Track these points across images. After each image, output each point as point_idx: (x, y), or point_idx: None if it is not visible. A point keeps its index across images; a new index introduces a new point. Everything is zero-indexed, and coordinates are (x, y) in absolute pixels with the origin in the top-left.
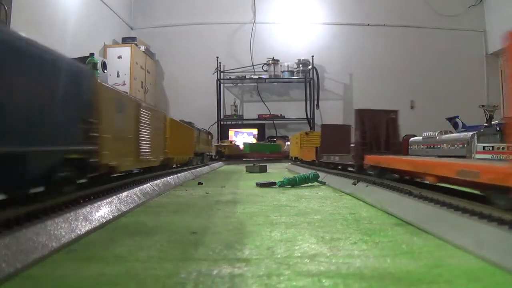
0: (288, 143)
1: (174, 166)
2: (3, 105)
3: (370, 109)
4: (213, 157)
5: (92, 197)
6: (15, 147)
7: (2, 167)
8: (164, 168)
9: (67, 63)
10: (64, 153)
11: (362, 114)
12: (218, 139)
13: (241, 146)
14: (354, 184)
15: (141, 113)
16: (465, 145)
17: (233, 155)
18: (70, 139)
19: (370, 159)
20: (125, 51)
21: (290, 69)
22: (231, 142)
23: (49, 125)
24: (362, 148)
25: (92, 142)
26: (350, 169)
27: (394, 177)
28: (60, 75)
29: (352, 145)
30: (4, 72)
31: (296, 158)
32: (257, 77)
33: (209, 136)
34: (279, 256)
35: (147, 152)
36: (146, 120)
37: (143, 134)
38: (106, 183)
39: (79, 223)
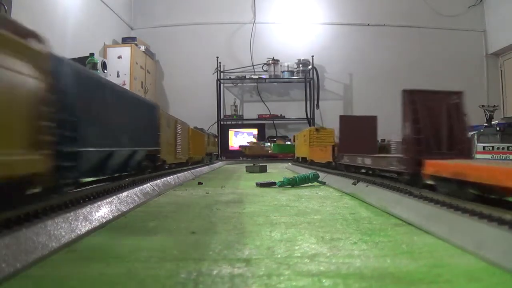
0: (289, 142)
1: (190, 164)
2: (135, 128)
3: (424, 90)
4: (217, 157)
5: (92, 197)
6: (134, 148)
7: (128, 158)
8: (187, 164)
9: (150, 103)
10: (147, 151)
11: (414, 97)
12: (218, 139)
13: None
14: (354, 184)
15: (177, 126)
16: None
17: (255, 155)
18: (150, 143)
19: (439, 167)
20: (125, 51)
21: (290, 69)
22: (254, 143)
23: (144, 136)
24: (418, 148)
25: (157, 145)
26: (383, 174)
27: (470, 194)
28: (148, 110)
29: (374, 142)
30: (135, 115)
31: (303, 159)
32: (257, 77)
33: (216, 139)
34: (279, 256)
35: (179, 152)
36: (179, 131)
37: (178, 140)
38: (165, 169)
39: (79, 223)
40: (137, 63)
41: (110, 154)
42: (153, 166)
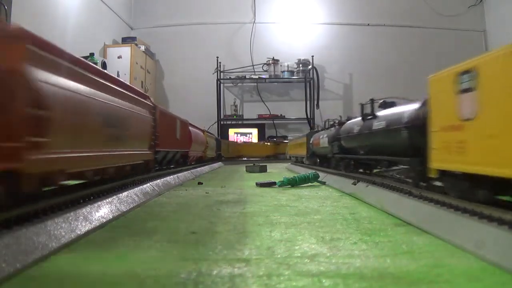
0: (287, 141)
1: (224, 157)
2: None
3: None
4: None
5: (92, 197)
6: (218, 152)
7: (216, 156)
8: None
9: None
10: (218, 154)
11: None
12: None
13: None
14: (354, 184)
15: (223, 142)
16: None
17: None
18: (220, 150)
19: None
20: (125, 51)
21: (290, 69)
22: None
23: (217, 148)
24: None
25: (220, 151)
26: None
27: None
28: (217, 140)
29: None
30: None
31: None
32: (257, 77)
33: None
34: (279, 256)
35: (226, 152)
36: (226, 144)
37: (228, 148)
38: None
39: (79, 223)
40: (137, 63)
41: (219, 154)
42: (220, 158)
